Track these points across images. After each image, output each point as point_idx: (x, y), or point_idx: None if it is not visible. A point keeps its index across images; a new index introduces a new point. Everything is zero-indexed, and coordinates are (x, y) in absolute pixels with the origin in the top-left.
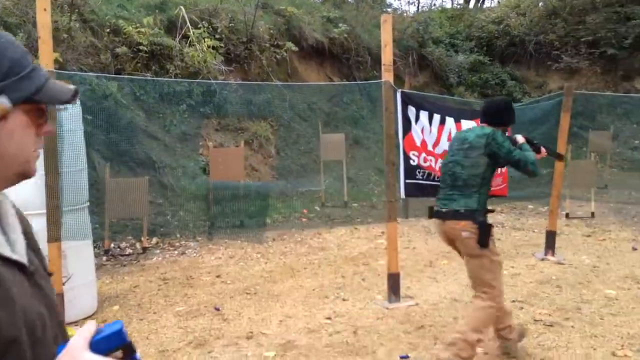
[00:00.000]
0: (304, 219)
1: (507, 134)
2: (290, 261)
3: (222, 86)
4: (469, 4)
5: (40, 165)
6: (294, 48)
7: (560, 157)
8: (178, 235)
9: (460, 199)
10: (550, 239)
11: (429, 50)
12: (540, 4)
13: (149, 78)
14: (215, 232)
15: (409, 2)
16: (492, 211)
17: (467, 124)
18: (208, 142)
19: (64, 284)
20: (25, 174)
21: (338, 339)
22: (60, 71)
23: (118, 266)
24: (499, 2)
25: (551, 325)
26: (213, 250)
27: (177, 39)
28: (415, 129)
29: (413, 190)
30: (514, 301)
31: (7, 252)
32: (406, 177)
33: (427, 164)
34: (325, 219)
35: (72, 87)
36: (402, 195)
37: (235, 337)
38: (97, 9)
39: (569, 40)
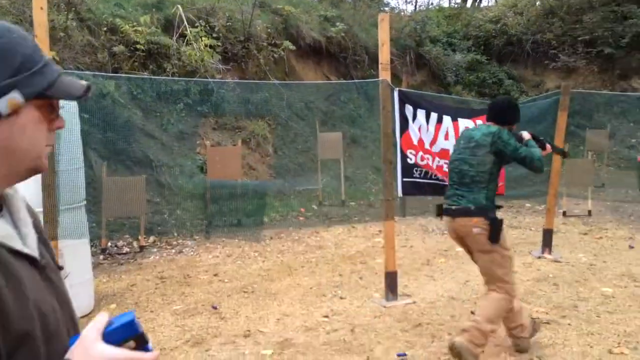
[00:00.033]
0: (301, 218)
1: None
2: (288, 260)
3: (219, 85)
4: (466, 3)
5: None
6: (292, 47)
7: (564, 154)
8: (175, 234)
9: (468, 196)
10: (547, 237)
11: (426, 49)
12: (538, 3)
13: (146, 77)
14: (212, 231)
15: (406, 1)
16: (500, 207)
17: (464, 123)
18: (205, 140)
19: None
20: (37, 169)
21: (335, 337)
22: None
23: (115, 265)
24: (496, 1)
25: (548, 323)
26: (210, 249)
27: (175, 38)
28: (413, 128)
29: (410, 189)
30: None
31: (19, 246)
32: (403, 176)
33: (424, 162)
34: (322, 218)
35: (84, 82)
36: (400, 193)
37: (232, 336)
38: (94, 8)
39: (566, 39)
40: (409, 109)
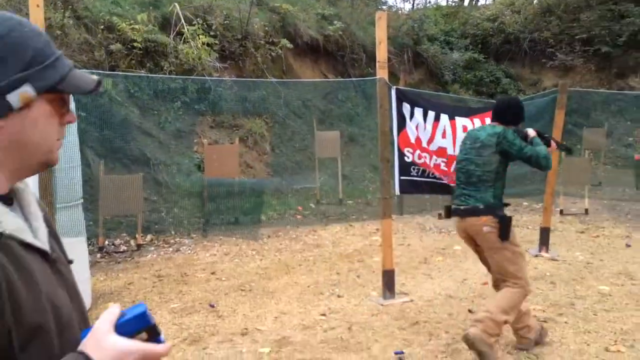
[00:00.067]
0: (298, 216)
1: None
2: (285, 258)
3: (216, 83)
4: (463, 2)
5: None
6: (289, 45)
7: (569, 150)
8: (173, 232)
9: (476, 195)
10: (544, 235)
11: (424, 48)
12: (535, 1)
13: (143, 75)
14: (210, 229)
15: None
16: (507, 204)
17: (461, 121)
18: (203, 139)
19: None
20: (48, 163)
21: (333, 335)
22: None
23: (112, 263)
24: None
25: (545, 321)
26: (208, 247)
27: (172, 36)
28: (410, 126)
29: (408, 187)
30: None
31: (30, 239)
32: (401, 174)
33: (422, 160)
34: (320, 216)
35: (95, 77)
36: (397, 192)
37: (230, 334)
38: (91, 6)
39: (564, 38)
40: (406, 108)
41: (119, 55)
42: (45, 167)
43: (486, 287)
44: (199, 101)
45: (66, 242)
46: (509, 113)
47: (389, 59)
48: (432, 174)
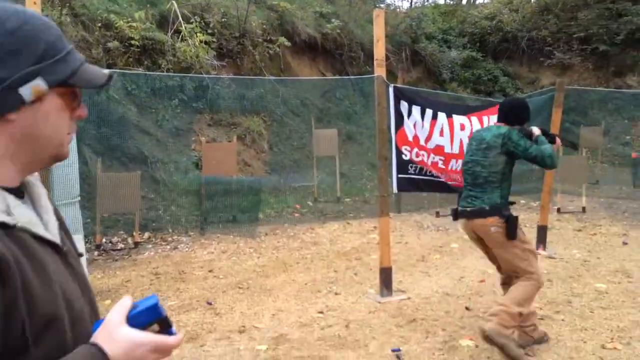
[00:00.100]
0: (296, 214)
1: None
2: (283, 256)
3: (214, 81)
4: (461, 0)
5: None
6: (287, 43)
7: (574, 145)
8: (170, 230)
9: (482, 197)
10: (542, 233)
11: (421, 46)
12: (533, 0)
13: (141, 73)
14: (207, 227)
15: None
16: (513, 203)
17: (459, 119)
18: (200, 137)
19: None
20: (59, 157)
21: (330, 332)
22: None
23: (110, 261)
24: None
25: (542, 319)
26: (205, 245)
27: (169, 34)
28: (408, 124)
29: (405, 185)
30: None
31: (42, 232)
32: (398, 172)
33: (419, 158)
34: (317, 214)
35: (106, 71)
36: (395, 190)
37: (227, 331)
38: (88, 3)
39: (561, 37)
40: (404, 106)
41: (117, 53)
42: (56, 161)
43: (483, 285)
44: (197, 99)
45: None
46: (513, 113)
47: (387, 57)
48: (430, 171)
